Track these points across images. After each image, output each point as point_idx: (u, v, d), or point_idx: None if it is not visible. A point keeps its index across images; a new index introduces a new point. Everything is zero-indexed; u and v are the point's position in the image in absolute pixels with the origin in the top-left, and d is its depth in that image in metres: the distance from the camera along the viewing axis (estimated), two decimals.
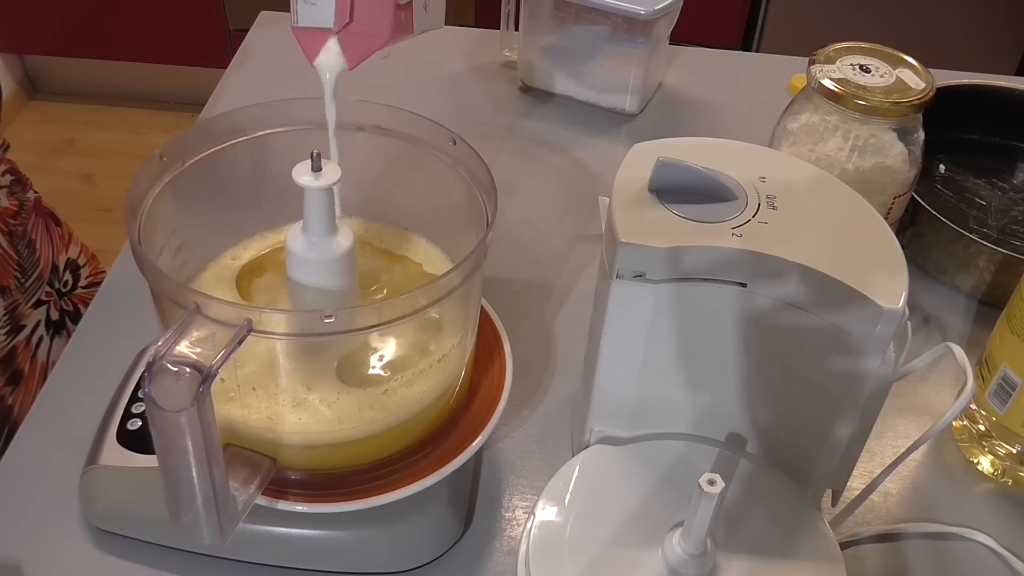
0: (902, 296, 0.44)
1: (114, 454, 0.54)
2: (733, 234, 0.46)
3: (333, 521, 0.51)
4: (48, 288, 0.81)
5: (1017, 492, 0.60)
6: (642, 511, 0.50)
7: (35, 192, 0.84)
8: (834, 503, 0.55)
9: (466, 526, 0.56)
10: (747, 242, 0.45)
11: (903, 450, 0.51)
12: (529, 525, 0.50)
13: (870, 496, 0.53)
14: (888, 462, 0.52)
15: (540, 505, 0.50)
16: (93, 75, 2.36)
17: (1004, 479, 0.61)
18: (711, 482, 0.42)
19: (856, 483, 0.58)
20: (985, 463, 0.61)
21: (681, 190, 0.48)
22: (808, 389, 0.49)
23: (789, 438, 0.52)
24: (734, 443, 0.54)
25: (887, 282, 0.44)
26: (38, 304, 0.80)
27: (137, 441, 0.54)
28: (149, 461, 0.53)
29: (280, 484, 0.50)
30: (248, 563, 0.53)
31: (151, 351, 0.41)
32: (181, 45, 2.19)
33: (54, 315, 0.82)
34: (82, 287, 0.87)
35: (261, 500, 0.48)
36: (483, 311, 0.59)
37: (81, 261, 0.88)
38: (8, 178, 0.80)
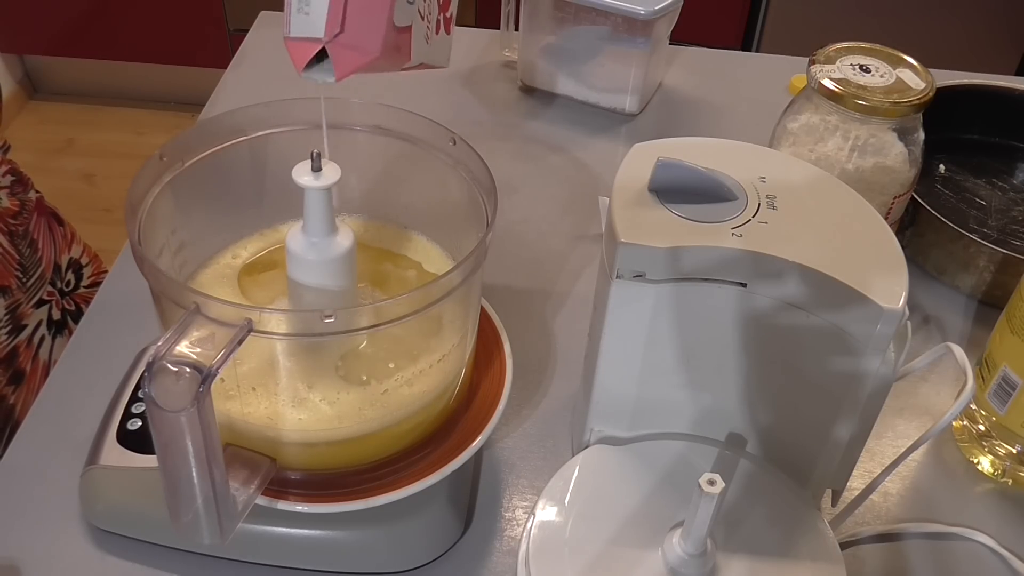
0: (902, 296, 0.44)
1: (114, 454, 0.54)
2: (733, 234, 0.46)
3: (333, 521, 0.51)
4: (50, 288, 0.81)
5: (1017, 492, 0.60)
6: (642, 511, 0.50)
7: (37, 192, 0.84)
8: (834, 503, 0.55)
9: (466, 526, 0.56)
10: (747, 242, 0.45)
11: (903, 450, 0.51)
12: (529, 525, 0.50)
13: (870, 496, 0.53)
14: (888, 462, 0.52)
15: (540, 505, 0.50)
16: (93, 75, 2.36)
17: (1004, 479, 0.61)
18: (711, 482, 0.42)
19: (856, 483, 0.58)
20: (985, 463, 0.61)
21: (681, 190, 0.48)
22: (808, 389, 0.49)
23: (789, 438, 0.52)
24: (734, 443, 0.54)
25: (887, 282, 0.44)
26: (40, 304, 0.80)
27: (137, 441, 0.54)
28: (149, 461, 0.53)
29: (280, 484, 0.50)
30: (248, 563, 0.53)
31: (151, 351, 0.41)
32: (181, 45, 2.19)
33: (56, 315, 0.82)
34: (84, 287, 0.87)
35: (261, 500, 0.48)
36: (483, 311, 0.59)
37: (83, 261, 0.88)
38: (9, 178, 0.80)
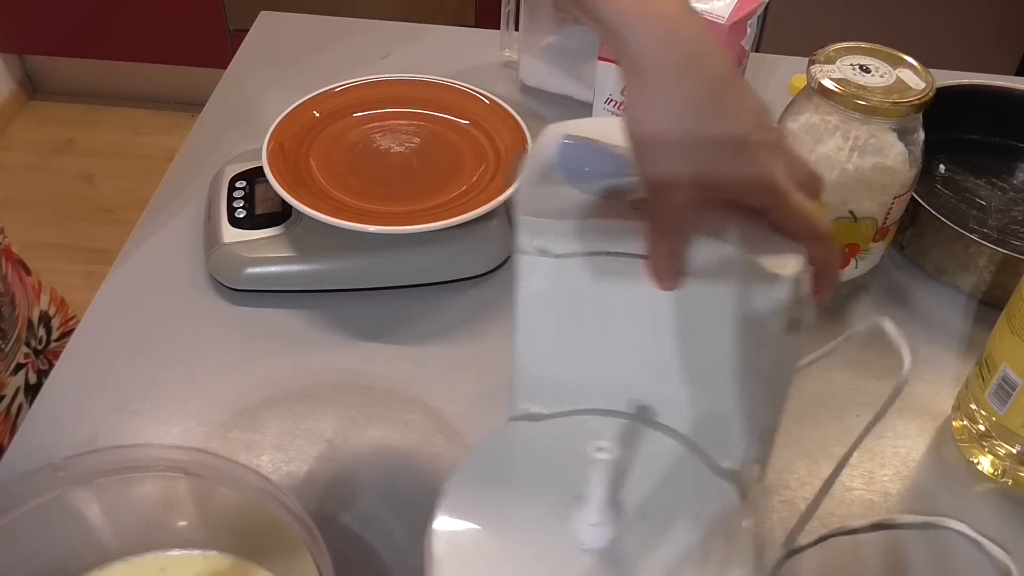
0: (796, 262, 0.44)
1: (232, 234, 0.69)
2: (633, 207, 0.46)
3: (426, 239, 0.68)
4: (25, 349, 0.74)
5: (1017, 492, 0.60)
6: (548, 488, 0.49)
7: (4, 236, 0.75)
8: (761, 478, 0.54)
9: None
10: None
11: (902, 450, 0.50)
12: (431, 526, 0.47)
13: (870, 496, 0.53)
14: (888, 462, 0.51)
15: (445, 489, 0.48)
16: (93, 75, 2.36)
17: (1004, 479, 0.61)
18: (600, 449, 0.42)
19: (854, 483, 0.59)
20: (985, 463, 0.61)
21: (587, 168, 0.48)
22: (717, 360, 0.49)
23: (704, 409, 0.51)
24: (649, 416, 0.52)
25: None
26: (16, 369, 0.73)
27: (247, 222, 0.70)
28: (262, 234, 0.69)
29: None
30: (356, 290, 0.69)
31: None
32: (181, 45, 2.19)
33: (32, 379, 0.75)
34: (55, 340, 0.80)
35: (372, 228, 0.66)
36: (511, 118, 0.78)
37: (51, 312, 0.79)
38: None
